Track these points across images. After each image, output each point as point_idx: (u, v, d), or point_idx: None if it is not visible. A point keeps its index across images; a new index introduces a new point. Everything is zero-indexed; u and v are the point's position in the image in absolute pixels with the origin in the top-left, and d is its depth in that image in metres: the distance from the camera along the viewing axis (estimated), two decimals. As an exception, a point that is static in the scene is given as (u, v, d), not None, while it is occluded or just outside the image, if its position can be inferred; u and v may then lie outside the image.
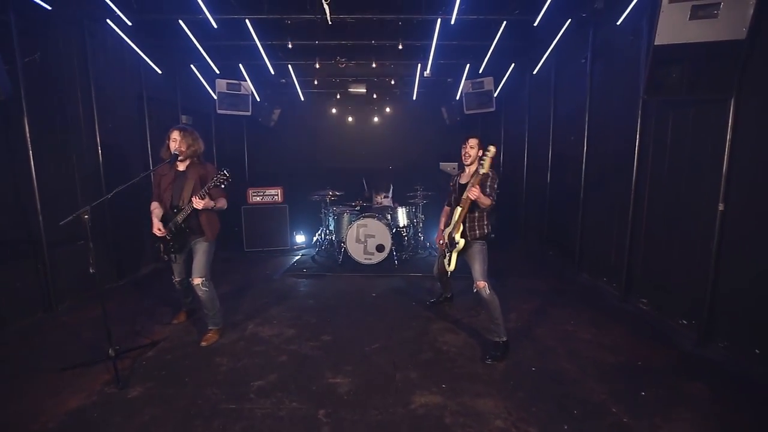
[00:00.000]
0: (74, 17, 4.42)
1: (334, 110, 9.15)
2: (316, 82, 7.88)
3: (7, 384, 2.79)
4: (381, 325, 3.76)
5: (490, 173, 3.06)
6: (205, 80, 6.82)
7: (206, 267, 3.34)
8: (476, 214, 3.21)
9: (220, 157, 7.41)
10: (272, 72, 6.60)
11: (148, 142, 5.59)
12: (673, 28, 2.95)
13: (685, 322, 3.51)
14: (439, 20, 4.93)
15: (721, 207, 3.05)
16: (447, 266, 3.43)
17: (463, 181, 3.32)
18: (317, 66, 6.56)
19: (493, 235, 3.31)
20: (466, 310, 4.04)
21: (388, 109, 9.19)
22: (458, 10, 4.50)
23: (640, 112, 3.94)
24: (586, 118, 4.92)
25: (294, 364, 3.04)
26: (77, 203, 4.30)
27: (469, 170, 3.32)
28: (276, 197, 6.83)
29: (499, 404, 2.53)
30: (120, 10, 4.46)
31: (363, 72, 7.47)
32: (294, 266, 5.91)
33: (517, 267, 5.74)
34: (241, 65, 6.66)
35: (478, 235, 3.22)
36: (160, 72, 5.75)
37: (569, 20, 4.90)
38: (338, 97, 8.82)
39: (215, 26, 4.76)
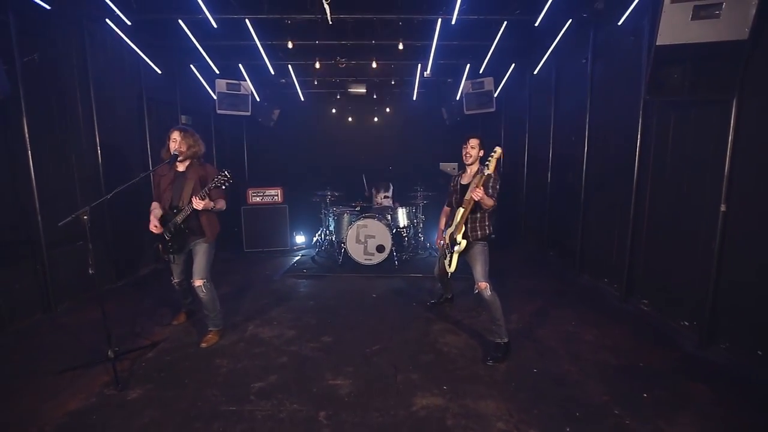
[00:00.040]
0: (73, 17, 4.40)
1: (334, 110, 9.14)
2: (316, 83, 7.88)
3: (6, 385, 2.77)
4: (381, 326, 3.75)
5: (493, 174, 3.05)
6: (204, 80, 6.81)
7: (207, 268, 3.33)
8: (478, 215, 3.20)
9: (220, 158, 7.39)
10: (272, 72, 6.58)
11: (148, 143, 5.57)
12: (675, 28, 2.94)
13: (686, 323, 3.50)
14: (439, 20, 4.92)
15: (723, 208, 3.04)
16: (447, 267, 3.41)
17: (464, 181, 3.31)
18: (317, 66, 6.55)
19: (493, 236, 3.30)
20: (467, 311, 4.03)
21: (388, 110, 9.18)
22: (459, 10, 4.49)
23: (641, 112, 3.93)
24: (587, 119, 4.91)
25: (294, 366, 3.02)
26: (76, 203, 4.29)
27: (470, 170, 3.30)
28: (276, 197, 6.81)
29: (500, 406, 2.51)
30: (119, 10, 4.43)
31: (363, 72, 7.45)
32: (294, 267, 5.89)
33: (518, 267, 5.73)
34: (240, 65, 6.64)
35: (479, 236, 3.21)
36: (159, 72, 5.74)
37: (570, 20, 4.89)
38: (338, 97, 8.81)
39: (215, 26, 4.74)
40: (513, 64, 6.68)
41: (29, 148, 3.78)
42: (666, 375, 2.87)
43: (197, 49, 5.59)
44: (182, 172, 3.30)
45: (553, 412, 2.45)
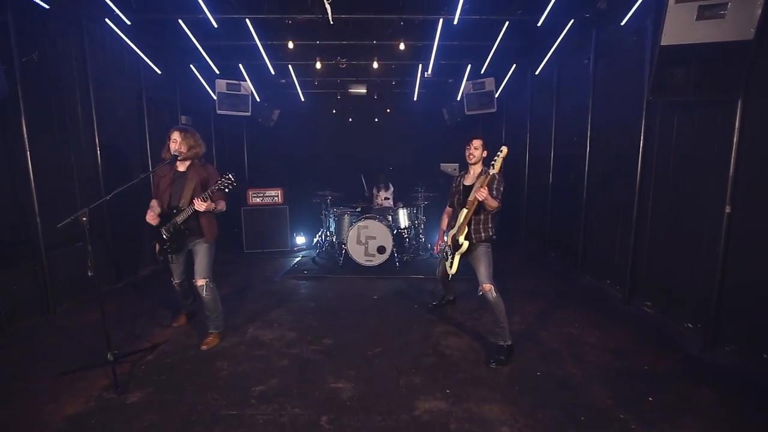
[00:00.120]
0: (73, 16, 4.37)
1: (334, 111, 9.12)
2: (316, 83, 7.85)
3: (5, 388, 2.75)
4: (383, 328, 3.72)
5: (497, 176, 3.03)
6: (204, 80, 6.78)
7: (209, 268, 3.31)
8: (481, 217, 3.17)
9: (220, 158, 7.36)
10: (272, 72, 6.56)
11: (148, 143, 5.54)
12: (680, 28, 2.92)
13: (690, 325, 3.48)
14: (441, 20, 4.89)
15: (728, 209, 3.01)
16: (449, 269, 3.39)
17: (467, 182, 3.28)
18: (318, 66, 6.52)
19: (494, 236, 3.28)
20: (469, 313, 4.00)
21: (388, 110, 9.16)
22: (461, 10, 4.47)
23: (644, 112, 3.91)
24: (589, 119, 4.89)
25: (295, 369, 3.00)
26: (76, 204, 4.26)
27: (474, 171, 3.28)
28: (276, 198, 6.79)
29: (504, 410, 2.49)
30: (119, 10, 4.40)
31: (364, 72, 7.43)
32: (294, 268, 5.87)
33: (519, 268, 5.71)
34: (241, 65, 6.62)
35: (483, 238, 3.18)
36: (159, 72, 5.71)
37: (572, 20, 4.86)
38: (338, 97, 8.79)
39: (215, 26, 4.71)
40: (514, 65, 6.66)
41: (28, 148, 3.75)
42: (670, 378, 2.84)
43: (197, 49, 5.56)
44: (182, 172, 3.27)
45: (558, 416, 2.43)
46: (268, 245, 6.74)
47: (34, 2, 3.76)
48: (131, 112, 5.37)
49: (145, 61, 5.43)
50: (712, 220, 3.19)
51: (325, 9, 4.43)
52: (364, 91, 8.14)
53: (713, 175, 3.21)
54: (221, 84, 6.77)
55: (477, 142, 3.19)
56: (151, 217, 3.19)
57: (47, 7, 3.86)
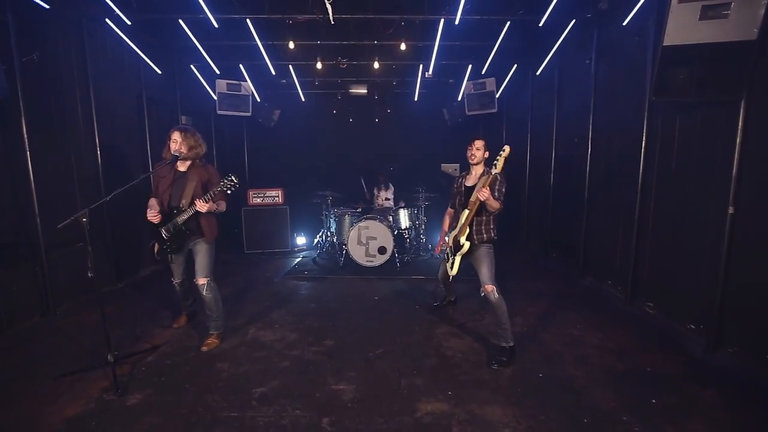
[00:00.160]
0: (73, 16, 4.36)
1: (335, 111, 9.10)
2: (317, 83, 7.84)
3: (5, 390, 2.74)
4: (384, 329, 3.70)
5: (499, 177, 3.02)
6: (205, 81, 6.77)
7: (210, 266, 3.30)
8: (483, 218, 3.16)
9: (220, 159, 7.35)
10: (273, 72, 6.55)
11: (148, 143, 5.53)
12: (683, 28, 2.90)
13: (692, 326, 3.46)
14: (442, 20, 4.88)
15: (731, 210, 3.00)
16: (449, 270, 3.38)
17: (469, 183, 3.27)
18: (319, 66, 6.51)
19: (496, 237, 3.26)
20: (471, 314, 3.99)
21: (389, 110, 9.14)
22: (462, 10, 4.45)
23: (646, 113, 3.89)
24: (591, 119, 4.88)
25: (296, 370, 2.98)
26: (76, 205, 4.25)
27: (475, 172, 3.26)
28: (276, 199, 6.78)
29: (507, 412, 2.47)
30: (119, 10, 4.40)
31: (364, 73, 7.42)
32: (295, 268, 5.85)
33: (520, 269, 5.69)
34: (241, 65, 6.61)
35: (485, 239, 3.17)
36: (159, 72, 5.70)
37: (573, 21, 4.85)
38: (339, 98, 8.78)
39: (216, 26, 4.70)
40: (515, 65, 6.64)
41: (28, 149, 3.74)
42: (674, 380, 2.83)
43: (198, 49, 5.56)
44: (183, 172, 3.26)
45: (561, 418, 2.41)
46: (269, 246, 6.73)
47: (34, 2, 3.76)
48: (131, 113, 5.36)
49: (145, 61, 5.42)
50: (715, 220, 3.18)
51: (326, 9, 4.42)
52: (364, 91, 8.13)
53: (716, 176, 3.20)
54: (222, 84, 6.76)
55: (479, 143, 3.18)
56: (153, 215, 3.17)
57: (47, 7, 3.85)
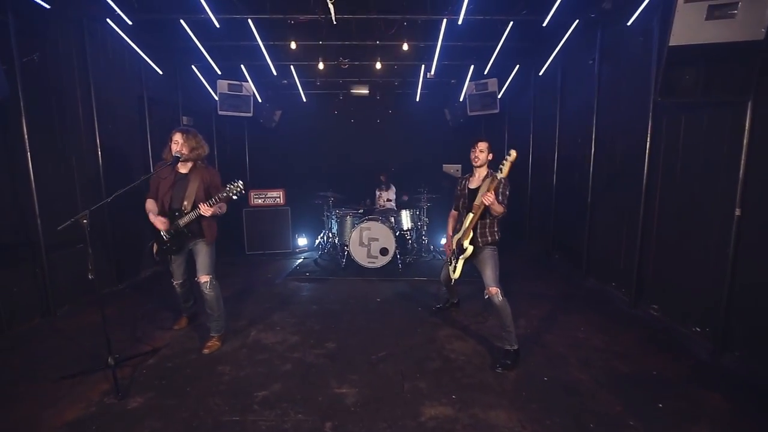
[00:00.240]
0: (74, 16, 4.34)
1: (336, 111, 9.08)
2: (318, 83, 7.81)
3: (4, 392, 2.71)
4: (387, 331, 3.68)
5: (503, 180, 2.99)
6: (206, 81, 6.75)
7: (212, 265, 3.29)
8: (487, 220, 3.13)
9: (221, 159, 7.32)
10: (274, 73, 6.52)
11: (149, 144, 5.51)
12: (689, 28, 2.87)
13: (698, 329, 3.42)
14: (444, 20, 4.85)
15: (737, 212, 2.97)
16: (452, 273, 3.36)
17: (472, 185, 3.24)
18: (320, 67, 6.48)
19: (499, 239, 3.23)
20: (474, 316, 3.96)
21: (390, 111, 9.12)
22: (465, 11, 4.43)
23: (650, 113, 3.86)
24: (594, 120, 4.85)
25: (299, 373, 2.95)
26: (77, 206, 4.23)
27: (479, 174, 3.23)
28: (278, 199, 6.75)
29: (512, 416, 2.44)
30: (120, 10, 4.38)
31: (366, 73, 7.40)
32: (296, 270, 5.82)
33: (522, 270, 5.66)
34: (242, 66, 6.58)
35: (489, 241, 3.14)
36: (161, 72, 5.68)
37: (577, 21, 4.82)
38: (341, 98, 8.75)
39: (217, 26, 4.68)
40: (517, 65, 6.62)
41: (28, 149, 3.72)
42: (680, 384, 2.80)
43: (199, 49, 5.54)
44: (184, 174, 3.24)
45: (566, 423, 2.38)
46: (270, 247, 6.70)
47: (35, 2, 3.74)
48: (132, 113, 5.34)
49: (146, 61, 5.40)
50: (721, 222, 3.15)
51: (328, 9, 4.39)
52: (366, 91, 8.10)
53: (722, 177, 3.17)
54: (223, 84, 6.74)
55: (482, 145, 3.15)
56: (161, 222, 3.15)
57: (48, 7, 3.83)
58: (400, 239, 5.99)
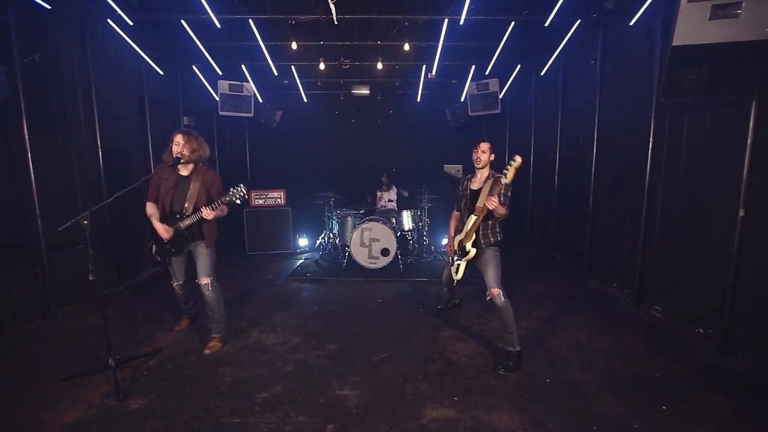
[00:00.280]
0: (74, 17, 4.33)
1: (337, 112, 9.07)
2: (319, 84, 7.80)
3: (5, 394, 2.70)
4: (388, 332, 3.66)
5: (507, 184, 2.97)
6: (207, 81, 6.74)
7: (212, 267, 3.28)
8: (489, 222, 3.12)
9: (222, 160, 7.32)
10: (275, 73, 6.51)
11: (150, 145, 5.50)
12: (692, 28, 2.85)
13: (701, 330, 3.41)
14: (446, 21, 4.84)
15: (741, 213, 2.95)
16: (454, 275, 3.34)
17: (474, 186, 3.22)
18: (321, 67, 6.47)
19: (501, 239, 3.21)
20: (476, 317, 3.94)
21: (391, 111, 9.11)
22: (467, 11, 4.41)
23: (653, 114, 3.84)
24: (596, 120, 4.83)
25: (300, 375, 2.94)
26: (77, 206, 4.22)
27: (481, 175, 3.22)
28: (279, 200, 6.74)
29: (514, 419, 2.43)
30: (121, 10, 4.37)
31: (367, 73, 7.38)
32: (297, 270, 5.81)
33: (524, 271, 5.64)
34: (243, 66, 6.57)
35: (492, 242, 3.13)
36: (161, 73, 5.67)
37: (579, 21, 4.81)
38: (342, 98, 8.74)
39: (218, 26, 4.67)
40: (519, 66, 6.61)
41: (29, 150, 3.71)
42: (683, 386, 2.78)
43: (200, 49, 5.53)
44: (186, 176, 3.23)
45: (570, 425, 2.37)
46: (271, 247, 6.69)
47: (36, 2, 3.73)
48: (133, 114, 5.33)
49: (147, 61, 5.39)
50: (724, 223, 3.13)
51: (330, 9, 4.38)
52: (367, 92, 8.08)
53: (726, 178, 3.15)
54: (223, 85, 6.73)
55: (484, 146, 3.14)
56: (165, 230, 3.15)
57: (49, 7, 3.83)
58: (402, 240, 5.98)
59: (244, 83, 6.86)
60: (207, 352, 3.23)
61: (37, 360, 3.17)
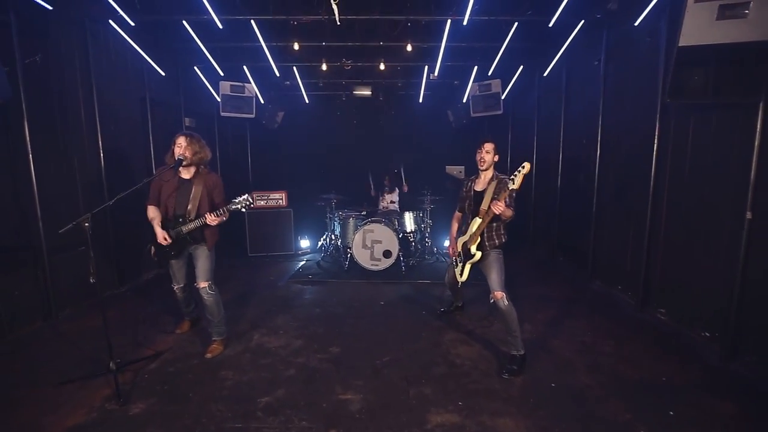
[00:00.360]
0: (76, 17, 4.32)
1: (338, 113, 9.05)
2: (321, 84, 7.78)
3: (5, 396, 2.68)
4: (391, 335, 3.63)
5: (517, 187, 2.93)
6: (208, 82, 6.72)
7: (211, 270, 3.26)
8: (494, 224, 3.09)
9: (224, 161, 7.30)
10: (277, 74, 6.49)
11: (151, 146, 5.48)
12: (699, 28, 2.82)
13: (707, 334, 3.37)
14: (449, 21, 4.81)
15: (749, 215, 2.91)
16: (459, 277, 3.31)
17: (478, 188, 3.19)
18: (323, 68, 6.45)
19: (505, 241, 3.18)
20: (479, 320, 3.91)
21: (393, 112, 9.09)
22: (470, 11, 4.39)
23: (658, 115, 3.81)
24: (600, 121, 4.80)
25: (302, 379, 2.91)
26: (79, 208, 4.20)
27: (485, 176, 3.19)
28: (280, 201, 6.72)
29: (519, 424, 2.39)
30: (123, 11, 4.36)
31: (369, 74, 7.36)
32: (299, 272, 5.78)
33: (527, 273, 5.60)
34: (245, 67, 6.55)
35: (496, 244, 3.10)
36: (163, 74, 5.65)
37: (582, 21, 4.78)
38: (343, 99, 8.72)
39: (220, 27, 4.65)
40: (521, 66, 6.57)
41: (30, 151, 3.69)
42: (690, 390, 2.74)
43: (201, 50, 5.51)
44: (188, 179, 3.20)
45: (576, 430, 2.33)
46: (272, 249, 6.67)
47: (37, 3, 3.71)
48: (135, 115, 5.31)
49: (148, 62, 5.37)
50: (731, 225, 3.10)
51: (332, 9, 4.36)
52: (369, 93, 8.06)
53: (732, 179, 3.12)
54: (225, 86, 6.71)
55: (489, 146, 3.11)
56: (164, 239, 3.13)
57: (50, 8, 3.82)
58: (404, 241, 5.95)
59: (245, 84, 6.84)
60: (208, 355, 3.21)
61: (37, 362, 3.15)
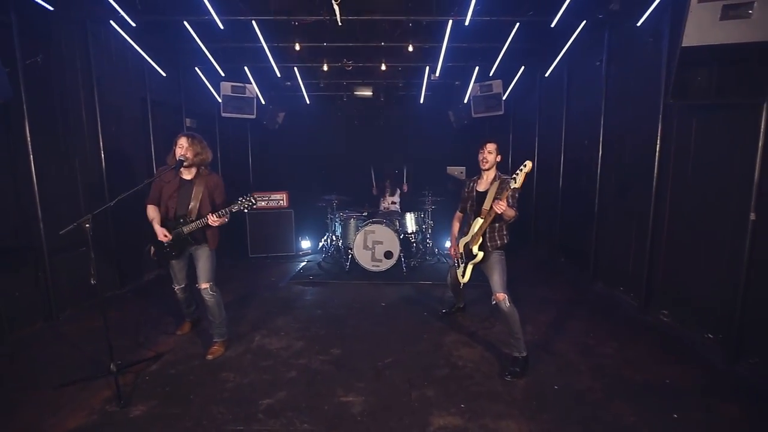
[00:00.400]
0: (77, 18, 4.31)
1: (339, 113, 9.04)
2: (322, 85, 7.77)
3: (6, 398, 2.67)
4: (392, 337, 3.62)
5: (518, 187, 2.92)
6: (209, 83, 6.71)
7: (212, 271, 3.25)
8: (497, 225, 3.07)
9: (225, 161, 7.29)
10: (278, 75, 6.48)
11: (152, 146, 5.47)
12: (702, 28, 2.80)
13: (711, 336, 3.35)
14: (450, 21, 4.80)
15: (752, 216, 2.90)
16: (461, 277, 3.30)
17: (480, 188, 3.18)
18: (324, 68, 6.44)
19: (507, 242, 3.17)
20: (481, 321, 3.89)
21: (394, 113, 9.08)
22: (472, 12, 4.37)
23: (660, 115, 3.80)
24: (602, 122, 4.78)
25: (304, 381, 2.90)
26: (79, 209, 4.19)
27: (487, 176, 3.18)
28: (281, 202, 6.71)
29: (522, 427, 2.38)
30: (124, 11, 4.34)
31: (370, 75, 7.35)
32: (300, 273, 5.77)
33: (528, 275, 5.59)
34: (246, 68, 6.54)
35: (498, 245, 3.09)
36: (164, 74, 5.64)
37: (584, 22, 4.76)
38: (344, 99, 8.70)
39: (221, 27, 4.64)
40: (523, 67, 6.56)
41: (31, 152, 3.69)
42: (694, 393, 2.72)
43: (202, 51, 5.50)
44: (189, 180, 3.19)
45: (579, 434, 2.32)
46: (273, 249, 6.66)
47: (38, 3, 3.71)
48: (136, 115, 5.30)
49: (149, 63, 5.37)
50: (734, 226, 3.08)
51: (333, 10, 4.35)
52: (369, 93, 8.04)
53: (736, 181, 3.10)
54: (226, 86, 6.70)
55: (491, 146, 3.10)
56: (164, 236, 3.11)
57: (51, 8, 3.81)
58: (405, 242, 5.93)
59: (246, 85, 6.83)
60: (210, 357, 3.20)
61: (38, 364, 3.15)
